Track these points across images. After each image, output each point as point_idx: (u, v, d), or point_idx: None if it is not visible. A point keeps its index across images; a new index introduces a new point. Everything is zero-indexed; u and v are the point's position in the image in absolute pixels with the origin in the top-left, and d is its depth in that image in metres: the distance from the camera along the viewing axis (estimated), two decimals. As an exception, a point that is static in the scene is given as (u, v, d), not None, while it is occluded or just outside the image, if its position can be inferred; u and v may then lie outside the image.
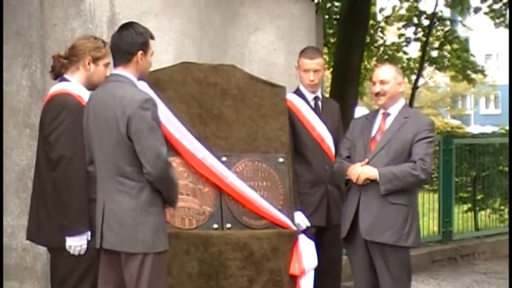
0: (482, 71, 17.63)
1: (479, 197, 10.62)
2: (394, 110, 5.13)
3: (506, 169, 10.39)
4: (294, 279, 5.03)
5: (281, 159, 5.18)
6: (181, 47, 5.64)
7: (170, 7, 5.63)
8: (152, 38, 4.23)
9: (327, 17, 14.53)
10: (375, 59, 16.53)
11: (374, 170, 4.94)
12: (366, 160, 5.00)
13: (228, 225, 4.93)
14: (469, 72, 17.20)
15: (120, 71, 4.14)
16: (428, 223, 9.69)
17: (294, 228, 5.11)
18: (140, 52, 4.13)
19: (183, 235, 4.75)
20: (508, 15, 15.31)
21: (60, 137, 4.32)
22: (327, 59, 14.02)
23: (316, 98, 5.55)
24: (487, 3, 15.94)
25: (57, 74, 4.57)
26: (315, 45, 6.15)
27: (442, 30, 16.92)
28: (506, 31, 16.09)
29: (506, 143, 10.51)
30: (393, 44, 17.19)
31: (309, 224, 5.29)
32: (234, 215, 4.95)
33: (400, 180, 4.90)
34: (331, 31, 15.05)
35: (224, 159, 4.98)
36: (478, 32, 22.03)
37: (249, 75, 5.35)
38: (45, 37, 5.51)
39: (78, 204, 4.31)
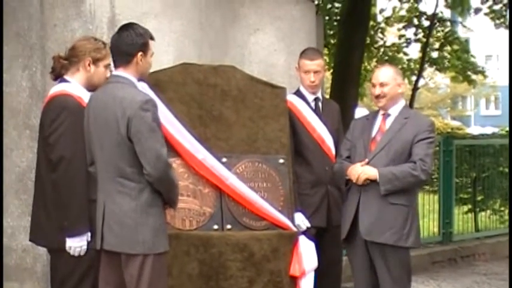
0: (482, 72, 17.63)
1: (479, 198, 10.62)
2: (394, 110, 5.14)
3: (507, 170, 10.39)
4: (294, 280, 5.03)
5: (281, 160, 5.18)
6: (181, 48, 5.64)
7: (170, 8, 5.63)
8: (152, 38, 4.23)
9: (327, 18, 14.54)
10: (375, 60, 16.53)
11: (374, 170, 4.94)
12: (366, 160, 5.01)
13: (228, 226, 4.93)
14: (469, 73, 17.20)
15: (120, 72, 4.14)
16: (429, 224, 9.70)
17: (294, 229, 5.11)
18: (140, 53, 4.13)
19: (183, 236, 4.75)
20: (508, 16, 15.31)
21: (60, 138, 4.32)
22: (327, 60, 14.02)
23: (316, 99, 5.55)
24: (488, 4, 15.94)
25: (57, 75, 4.57)
26: (315, 46, 6.15)
27: (442, 31, 16.92)
28: (507, 32, 16.09)
29: (507, 144, 10.52)
30: (393, 45, 17.19)
31: (309, 225, 5.29)
32: (234, 216, 4.95)
33: (400, 180, 4.90)
34: (331, 32, 15.06)
35: (224, 160, 4.98)
36: (478, 33, 22.02)
37: (249, 76, 5.35)
38: (46, 38, 5.51)
39: (78, 205, 4.31)
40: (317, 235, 5.34)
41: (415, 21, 16.62)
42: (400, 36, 17.22)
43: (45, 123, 4.43)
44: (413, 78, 16.83)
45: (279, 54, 6.22)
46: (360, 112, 11.94)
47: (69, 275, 4.40)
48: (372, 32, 15.77)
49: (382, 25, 16.72)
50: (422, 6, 16.57)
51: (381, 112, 5.19)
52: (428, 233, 9.61)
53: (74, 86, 4.48)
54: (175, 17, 5.64)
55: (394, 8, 16.84)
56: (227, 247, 4.86)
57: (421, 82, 20.28)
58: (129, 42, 4.11)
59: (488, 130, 21.23)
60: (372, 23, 14.97)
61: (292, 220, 5.14)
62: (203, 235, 4.83)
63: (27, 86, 5.62)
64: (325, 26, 13.00)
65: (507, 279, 7.73)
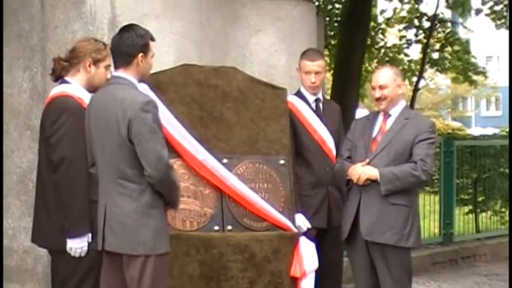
0: (483, 73, 17.63)
1: (480, 199, 10.62)
2: (395, 111, 5.14)
3: (507, 171, 10.39)
4: (294, 281, 5.03)
5: (282, 161, 5.18)
6: (182, 49, 5.64)
7: (171, 9, 5.64)
8: (153, 40, 4.23)
9: (327, 19, 14.54)
10: (375, 60, 16.54)
11: (375, 170, 4.94)
12: (367, 160, 5.01)
13: (229, 227, 4.93)
14: (470, 73, 17.20)
15: (121, 73, 4.14)
16: (429, 225, 9.70)
17: (295, 230, 5.11)
18: (141, 54, 4.13)
19: (183, 237, 4.75)
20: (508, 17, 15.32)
21: (61, 139, 4.32)
22: (328, 61, 14.02)
23: (317, 100, 5.55)
24: (488, 5, 15.94)
25: (58, 77, 4.57)
26: (316, 47, 6.15)
27: (443, 32, 16.93)
28: (507, 33, 16.09)
29: (507, 145, 10.52)
30: (394, 45, 17.19)
31: (309, 226, 5.29)
32: (235, 217, 4.95)
33: (400, 180, 4.90)
34: (332, 33, 15.07)
35: (225, 161, 4.98)
36: (479, 34, 22.02)
37: (250, 77, 5.34)
38: (46, 39, 5.52)
39: (79, 206, 4.31)
40: (318, 236, 5.34)
41: (416, 22, 16.64)
42: (401, 37, 17.23)
43: (46, 124, 4.43)
44: (414, 79, 16.84)
45: (280, 55, 6.22)
46: (361, 113, 11.92)
47: (69, 276, 4.40)
48: (373, 33, 15.78)
49: (383, 26, 16.73)
50: (423, 7, 16.60)
51: (382, 113, 5.19)
52: (429, 234, 9.62)
53: (75, 87, 4.48)
54: (176, 18, 5.64)
55: (394, 9, 16.85)
56: (228, 248, 4.85)
57: (422, 83, 20.27)
58: (130, 43, 4.12)
59: (489, 131, 21.21)
60: (372, 24, 14.99)
61: (293, 221, 5.14)
62: (204, 236, 4.83)
63: (28, 87, 5.63)
64: (325, 27, 13.00)
65: (508, 280, 7.73)
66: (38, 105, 5.35)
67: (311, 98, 5.53)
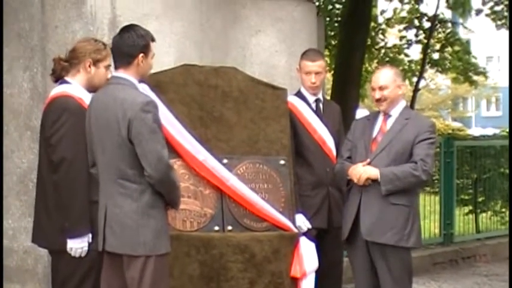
0: (483, 73, 17.63)
1: (480, 199, 10.61)
2: (395, 111, 5.14)
3: (507, 171, 10.39)
4: (295, 281, 5.03)
5: (282, 162, 5.18)
6: (182, 49, 5.64)
7: (171, 9, 5.64)
8: (153, 40, 4.23)
9: (328, 19, 14.55)
10: (376, 61, 16.55)
11: (375, 170, 4.94)
12: (368, 160, 5.01)
13: (229, 228, 4.93)
14: (470, 74, 17.20)
15: (121, 73, 4.14)
16: (430, 225, 9.69)
17: (295, 230, 5.11)
18: (141, 55, 4.13)
19: (184, 237, 4.75)
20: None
21: (62, 139, 4.32)
22: (328, 61, 14.03)
23: (317, 100, 5.55)
24: (489, 5, 15.94)
25: (58, 77, 4.57)
26: (316, 48, 6.15)
27: (443, 32, 16.93)
28: (507, 33, 16.10)
29: (507, 145, 10.52)
30: (394, 46, 17.21)
31: (310, 226, 5.29)
32: (235, 217, 4.95)
33: (401, 180, 4.90)
34: (332, 33, 15.08)
35: (225, 161, 4.98)
36: (479, 34, 22.02)
37: (250, 78, 5.34)
38: (47, 39, 5.52)
39: (80, 206, 4.31)
40: (318, 236, 5.34)
41: (416, 22, 16.65)
42: (401, 38, 17.24)
43: (47, 125, 4.43)
44: (414, 79, 16.86)
45: (280, 56, 6.22)
46: (361, 113, 11.90)
47: (70, 276, 4.40)
48: (373, 33, 15.79)
49: (383, 26, 16.74)
50: (423, 8, 16.61)
51: (382, 113, 5.19)
52: (429, 234, 9.61)
53: (75, 87, 4.48)
54: (176, 18, 5.64)
55: (395, 9, 16.86)
56: (228, 248, 4.85)
57: (422, 83, 20.30)
58: (131, 44, 4.12)
59: (489, 131, 21.22)
60: (372, 24, 14.99)
61: (293, 221, 5.14)
62: (204, 236, 4.83)
63: (28, 87, 5.63)
64: (326, 27, 13.01)
65: (508, 280, 7.72)
66: (38, 106, 5.35)
67: (311, 99, 5.53)
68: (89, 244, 4.35)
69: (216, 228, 4.90)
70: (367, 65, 15.71)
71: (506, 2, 15.21)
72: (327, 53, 14.22)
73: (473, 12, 16.40)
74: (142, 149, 3.95)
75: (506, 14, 15.60)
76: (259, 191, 5.04)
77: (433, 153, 5.16)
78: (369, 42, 14.34)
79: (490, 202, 10.72)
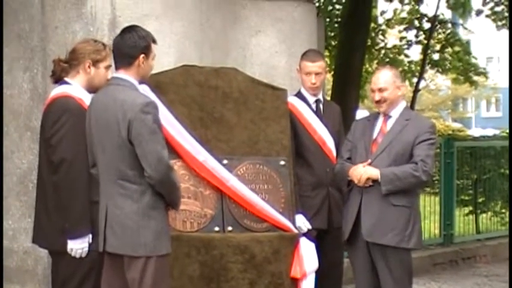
0: (484, 73, 17.63)
1: (480, 200, 10.61)
2: (395, 112, 5.14)
3: (507, 172, 10.39)
4: (295, 282, 5.02)
5: (282, 162, 5.18)
6: (182, 50, 5.64)
7: (171, 9, 5.63)
8: (154, 41, 4.23)
9: (328, 19, 14.56)
10: (376, 61, 16.55)
11: (376, 170, 4.94)
12: (369, 161, 5.01)
13: (229, 228, 4.93)
14: (470, 74, 17.21)
15: (122, 74, 4.14)
16: (430, 226, 9.69)
17: (295, 231, 5.11)
18: (142, 56, 4.13)
19: (184, 238, 4.74)
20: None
21: (62, 140, 4.32)
22: (328, 62, 14.04)
23: (317, 101, 5.55)
24: (489, 6, 15.94)
25: (58, 78, 4.57)
26: (316, 48, 6.14)
27: (444, 32, 16.93)
28: (507, 33, 16.10)
29: (507, 146, 10.51)
30: (394, 46, 17.22)
31: (310, 227, 5.29)
32: (235, 217, 4.95)
33: (401, 180, 4.90)
34: (332, 34, 15.08)
35: (225, 162, 4.98)
36: (479, 35, 22.03)
37: (251, 78, 5.34)
38: (47, 40, 5.52)
39: (80, 207, 4.31)
40: (318, 237, 5.33)
41: (416, 23, 16.66)
42: (401, 38, 17.26)
43: (47, 125, 4.43)
44: (414, 80, 16.87)
45: (280, 56, 6.22)
46: (361, 114, 11.93)
47: (70, 277, 4.40)
48: (373, 34, 15.80)
49: (383, 27, 16.76)
50: (423, 8, 16.62)
51: (382, 114, 5.18)
52: (430, 235, 9.61)
53: (75, 88, 4.48)
54: (176, 19, 5.64)
55: (395, 10, 16.87)
56: (228, 249, 4.85)
57: (422, 84, 20.31)
58: (132, 45, 4.11)
59: (489, 132, 21.24)
60: (372, 25, 15.00)
61: (293, 222, 5.13)
62: (204, 237, 4.83)
63: (28, 88, 5.63)
64: (326, 28, 13.01)
65: (508, 281, 7.72)
66: (38, 106, 5.35)
67: (311, 99, 5.53)
68: (89, 245, 4.35)
69: (216, 228, 4.90)
70: (367, 65, 15.72)
71: (507, 3, 15.21)
72: (327, 53, 14.22)
73: (473, 13, 16.41)
74: (142, 150, 3.95)
75: (506, 14, 15.59)
76: (259, 192, 5.04)
77: (433, 154, 5.16)
78: (369, 43, 14.35)
79: (490, 203, 10.72)
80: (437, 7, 16.01)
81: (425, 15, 16.50)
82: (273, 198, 5.07)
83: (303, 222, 5.26)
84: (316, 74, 5.45)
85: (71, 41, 5.23)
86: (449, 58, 17.08)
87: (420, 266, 8.28)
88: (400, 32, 17.34)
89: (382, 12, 16.76)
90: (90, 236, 4.34)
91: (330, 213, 5.43)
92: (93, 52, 4.51)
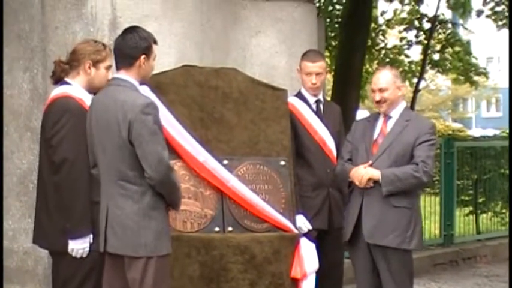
0: (484, 73, 17.63)
1: (480, 200, 10.61)
2: (396, 113, 5.14)
3: (508, 172, 10.39)
4: (295, 282, 5.02)
5: (283, 163, 5.18)
6: (182, 50, 5.63)
7: (171, 10, 5.63)
8: (155, 43, 4.23)
9: (328, 20, 14.55)
10: (376, 62, 16.54)
11: (377, 171, 4.94)
12: (370, 162, 5.01)
13: (230, 229, 4.93)
14: (471, 74, 17.20)
15: (122, 74, 4.14)
16: (430, 226, 9.69)
17: (296, 231, 5.10)
18: (143, 56, 4.13)
19: (184, 238, 4.74)
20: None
21: (63, 140, 4.32)
22: (329, 62, 14.04)
23: (317, 101, 5.55)
24: (490, 6, 15.93)
25: (57, 79, 4.57)
26: (316, 48, 6.14)
27: (444, 33, 16.93)
28: (507, 34, 16.10)
29: (508, 146, 10.51)
30: (395, 47, 17.22)
31: (310, 227, 5.29)
32: (235, 218, 4.95)
33: (402, 182, 4.90)
34: (332, 34, 15.08)
35: (226, 162, 4.98)
36: (480, 35, 22.03)
37: (251, 79, 5.34)
38: (47, 40, 5.51)
39: (81, 207, 4.31)
40: (318, 237, 5.33)
41: (416, 23, 16.65)
42: (402, 39, 17.25)
43: (47, 126, 4.43)
44: (415, 80, 16.86)
45: (280, 57, 6.22)
46: (361, 114, 11.93)
47: (70, 277, 4.40)
48: (373, 34, 15.80)
49: (383, 27, 16.75)
50: (423, 9, 16.61)
51: (382, 114, 5.18)
52: (430, 235, 9.61)
53: (75, 88, 4.48)
54: (176, 19, 5.64)
55: (395, 11, 16.87)
56: (228, 249, 4.85)
57: (422, 84, 20.30)
58: (133, 46, 4.12)
59: (490, 132, 21.24)
60: (373, 25, 14.99)
61: (294, 222, 5.13)
62: (204, 237, 4.82)
63: (29, 88, 5.63)
64: (326, 28, 13.00)
65: (508, 281, 7.72)
66: (39, 107, 5.34)
67: (312, 99, 5.53)
68: (90, 245, 4.35)
69: (217, 229, 4.90)
70: (367, 66, 15.71)
71: (507, 3, 15.20)
72: (327, 54, 14.22)
73: (474, 13, 16.40)
74: (142, 151, 3.95)
75: (507, 14, 15.58)
76: (259, 192, 5.03)
77: (434, 154, 5.16)
78: (369, 43, 14.35)
79: (491, 203, 10.72)
80: (438, 7, 16.01)
81: (426, 16, 16.50)
82: (274, 199, 5.07)
83: (303, 223, 5.26)
84: (317, 74, 5.45)
85: (71, 41, 5.22)
86: (450, 58, 17.07)
87: (420, 266, 8.27)
88: (400, 32, 17.34)
89: (383, 13, 16.76)
90: (91, 236, 4.35)
91: (330, 213, 5.43)
92: (93, 53, 4.51)
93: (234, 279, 4.87)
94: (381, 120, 5.18)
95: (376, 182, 4.95)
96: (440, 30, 16.87)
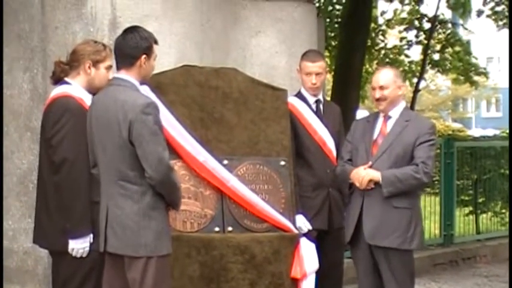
0: (484, 73, 17.63)
1: (480, 200, 10.61)
2: (395, 112, 5.14)
3: (508, 172, 10.40)
4: (295, 282, 5.02)
5: (282, 163, 5.17)
6: (182, 50, 5.63)
7: (171, 10, 5.63)
8: (156, 43, 4.24)
9: (328, 20, 14.55)
10: (376, 62, 16.55)
11: (377, 173, 4.94)
12: (370, 163, 5.00)
13: (230, 229, 4.93)
14: (471, 74, 17.20)
15: (123, 74, 4.14)
16: (430, 226, 9.69)
17: (296, 231, 5.11)
18: (144, 56, 4.14)
19: (184, 238, 4.74)
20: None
21: (63, 140, 4.32)
22: (329, 62, 14.04)
23: (317, 101, 5.55)
24: (490, 6, 15.93)
25: (57, 79, 4.57)
26: (316, 49, 6.14)
27: (444, 33, 16.93)
28: (507, 34, 16.10)
29: (507, 146, 10.52)
30: (395, 47, 17.22)
31: (310, 227, 5.29)
32: (235, 218, 4.95)
33: (402, 183, 4.90)
34: (332, 34, 15.08)
35: (226, 162, 4.98)
36: (480, 35, 22.03)
37: (251, 79, 5.34)
38: (47, 40, 5.51)
39: (81, 206, 4.31)
40: (318, 237, 5.33)
41: (416, 23, 16.65)
42: (401, 39, 17.25)
43: (47, 125, 4.43)
44: (415, 80, 16.86)
45: (280, 57, 6.21)
46: (361, 114, 11.92)
47: (71, 277, 4.41)
48: (373, 34, 15.80)
49: (383, 27, 16.76)
50: (423, 9, 16.61)
51: (382, 114, 5.18)
52: (430, 235, 9.61)
53: (75, 87, 4.49)
54: (176, 19, 5.64)
55: (395, 11, 16.87)
56: (228, 249, 4.85)
57: (422, 84, 20.30)
58: (134, 45, 4.12)
59: (490, 132, 21.24)
60: (373, 25, 15.00)
61: (294, 222, 5.13)
62: (204, 237, 4.82)
63: (29, 88, 5.63)
64: (326, 28, 13.01)
65: (508, 281, 7.72)
66: (39, 107, 5.34)
67: (311, 99, 5.53)
68: (90, 244, 4.36)
69: (217, 229, 4.90)
70: (367, 66, 15.72)
71: (507, 2, 15.20)
72: (327, 54, 14.22)
73: (474, 13, 16.40)
74: (143, 151, 3.95)
75: (507, 14, 15.58)
76: (259, 192, 5.03)
77: (434, 155, 5.16)
78: (369, 43, 14.36)
79: (490, 203, 10.72)
80: (438, 7, 16.01)
81: (426, 16, 16.50)
82: (273, 199, 5.07)
83: (303, 223, 5.26)
84: (317, 74, 5.45)
85: (71, 41, 5.23)
86: (450, 58, 17.07)
87: (420, 266, 8.26)
88: (400, 32, 17.34)
89: (382, 13, 16.76)
90: (91, 235, 4.35)
91: (330, 213, 5.42)
92: (93, 53, 4.51)
93: (234, 279, 4.87)
94: (380, 120, 5.18)
95: (376, 183, 4.95)
96: (440, 30, 16.87)
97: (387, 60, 16.40)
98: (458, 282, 8.39)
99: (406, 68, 16.76)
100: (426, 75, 23.13)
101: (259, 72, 5.94)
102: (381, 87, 5.08)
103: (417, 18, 16.59)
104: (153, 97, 4.48)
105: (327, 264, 5.29)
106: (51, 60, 4.68)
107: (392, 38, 19.07)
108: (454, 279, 8.54)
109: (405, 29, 16.85)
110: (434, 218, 9.81)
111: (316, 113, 5.52)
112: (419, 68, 16.79)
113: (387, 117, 5.15)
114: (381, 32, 16.64)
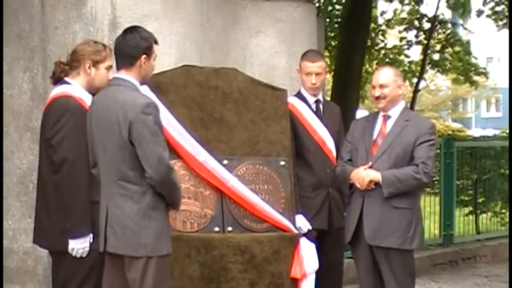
0: (484, 73, 17.62)
1: (480, 200, 10.61)
2: (395, 112, 5.14)
3: (507, 172, 10.39)
4: (295, 282, 5.02)
5: (282, 163, 5.18)
6: (182, 50, 5.63)
7: (171, 10, 5.63)
8: (156, 43, 4.24)
9: (328, 20, 14.56)
10: (376, 62, 16.54)
11: (377, 173, 4.94)
12: (370, 163, 5.00)
13: (229, 229, 4.93)
14: (471, 74, 17.20)
15: (123, 74, 4.14)
16: (430, 226, 9.69)
17: (295, 231, 5.11)
18: (144, 56, 4.14)
19: (184, 238, 4.74)
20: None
21: (63, 140, 4.32)
22: (329, 62, 14.04)
23: (317, 101, 5.55)
24: (489, 6, 15.93)
25: (57, 79, 4.58)
26: (316, 49, 6.14)
27: (444, 33, 16.93)
28: (507, 34, 16.10)
29: (507, 146, 10.51)
30: (394, 47, 17.21)
31: (310, 228, 5.29)
32: (235, 218, 4.95)
33: (402, 183, 4.91)
34: (332, 34, 15.08)
35: (225, 162, 4.98)
36: (479, 35, 22.03)
37: (251, 79, 5.34)
38: (47, 40, 5.51)
39: (81, 206, 4.31)
40: (318, 237, 5.33)
41: (416, 23, 16.64)
42: (401, 39, 17.24)
43: (47, 125, 4.43)
44: (414, 80, 16.86)
45: (280, 57, 6.21)
46: (361, 114, 11.92)
47: (70, 277, 4.41)
48: (373, 34, 15.80)
49: (383, 27, 16.75)
50: (423, 9, 16.61)
51: (381, 114, 5.18)
52: (430, 235, 9.60)
53: (75, 87, 4.49)
54: (176, 19, 5.64)
55: (395, 11, 16.87)
56: (228, 249, 4.85)
57: (422, 84, 20.30)
58: (134, 45, 4.12)
59: (489, 132, 21.23)
60: (372, 25, 15.00)
61: (293, 222, 5.13)
62: (204, 237, 4.82)
63: (29, 88, 5.63)
64: (326, 28, 13.01)
65: (508, 281, 7.72)
66: (39, 107, 5.34)
67: (311, 99, 5.53)
68: (90, 244, 4.36)
69: (216, 229, 4.90)
70: (367, 66, 15.72)
71: (507, 2, 15.19)
72: (327, 54, 14.22)
73: (474, 14, 16.40)
74: (143, 151, 3.95)
75: (507, 14, 15.57)
76: (259, 192, 5.03)
77: (434, 155, 5.16)
78: (369, 43, 14.35)
79: (490, 203, 10.72)
80: (437, 7, 16.01)
81: (425, 16, 16.49)
82: (273, 199, 5.07)
83: (303, 223, 5.26)
84: (317, 74, 5.45)
85: (71, 41, 5.23)
86: (450, 58, 17.07)
87: (420, 266, 8.25)
88: (400, 32, 17.34)
89: (382, 13, 16.76)
90: (91, 235, 4.35)
91: (330, 213, 5.43)
92: (93, 53, 4.51)
93: (234, 279, 4.87)
94: (380, 120, 5.18)
95: (377, 183, 4.95)
96: (440, 30, 16.87)
97: (387, 60, 16.40)
98: (458, 282, 8.39)
99: (406, 68, 16.76)
100: (426, 75, 23.14)
101: (259, 72, 5.94)
102: (381, 86, 5.09)
103: (417, 18, 16.59)
104: (153, 97, 4.49)
105: (327, 265, 5.30)
106: (51, 60, 4.68)
107: (392, 38, 19.07)
108: (453, 279, 8.54)
109: (405, 29, 16.85)
110: (434, 218, 9.81)
111: (316, 113, 5.52)
112: (419, 68, 16.78)
113: (387, 117, 5.15)
114: (380, 32, 16.64)
